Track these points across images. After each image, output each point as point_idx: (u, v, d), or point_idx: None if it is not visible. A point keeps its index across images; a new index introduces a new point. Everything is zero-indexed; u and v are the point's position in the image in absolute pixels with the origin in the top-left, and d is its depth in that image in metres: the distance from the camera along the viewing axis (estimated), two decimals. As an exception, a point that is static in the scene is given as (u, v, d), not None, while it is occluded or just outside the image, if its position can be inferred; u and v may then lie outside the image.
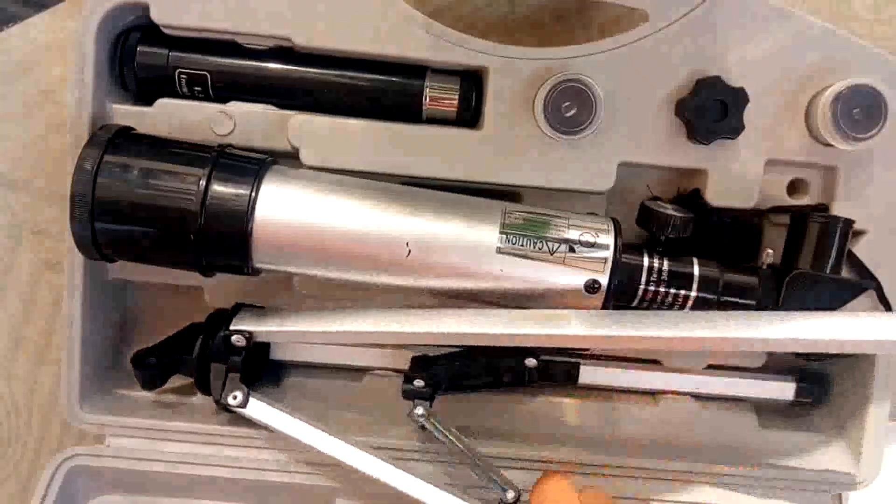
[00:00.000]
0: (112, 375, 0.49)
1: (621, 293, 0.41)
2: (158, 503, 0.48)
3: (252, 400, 0.45)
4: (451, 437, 0.44)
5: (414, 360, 0.46)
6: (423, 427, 0.44)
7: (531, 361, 0.40)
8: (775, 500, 0.48)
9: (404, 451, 0.47)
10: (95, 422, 0.46)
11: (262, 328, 0.44)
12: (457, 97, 0.43)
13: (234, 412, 0.45)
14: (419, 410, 0.44)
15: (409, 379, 0.44)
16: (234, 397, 0.44)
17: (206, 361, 0.45)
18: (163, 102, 0.43)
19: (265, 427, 0.45)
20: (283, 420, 0.44)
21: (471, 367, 0.46)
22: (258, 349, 0.47)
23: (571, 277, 0.40)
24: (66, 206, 0.38)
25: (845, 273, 0.43)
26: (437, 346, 0.48)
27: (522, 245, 0.40)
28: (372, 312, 0.42)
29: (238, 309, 0.46)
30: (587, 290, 0.40)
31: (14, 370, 0.53)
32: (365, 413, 0.49)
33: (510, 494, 0.43)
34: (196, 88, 0.44)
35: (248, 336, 0.44)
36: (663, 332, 0.40)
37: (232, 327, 0.44)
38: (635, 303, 0.42)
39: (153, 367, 0.46)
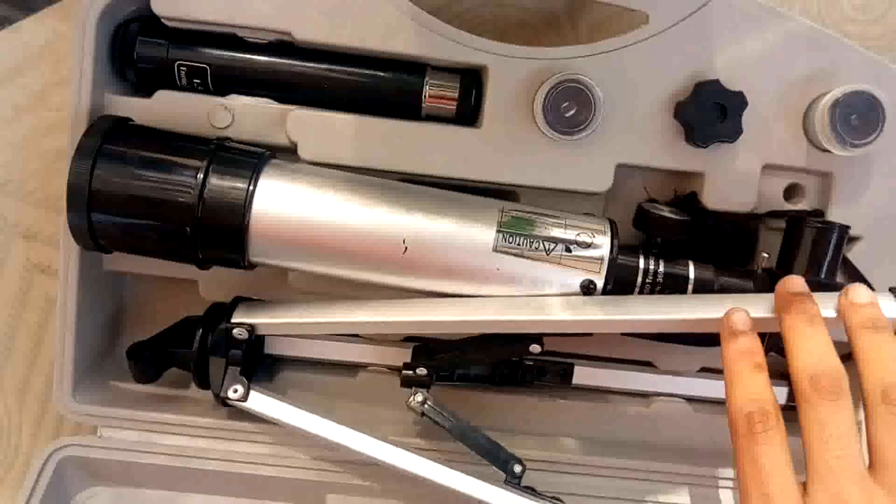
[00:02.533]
0: (105, 367, 0.49)
1: (617, 294, 0.41)
2: (150, 496, 0.48)
3: (253, 393, 0.45)
4: (451, 417, 0.43)
5: (416, 349, 0.45)
6: (422, 414, 0.43)
7: (535, 347, 0.41)
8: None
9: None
10: (87, 413, 0.46)
11: (264, 321, 0.44)
12: (456, 95, 0.43)
13: (233, 406, 0.45)
14: (419, 397, 0.43)
15: (410, 366, 0.44)
16: (235, 391, 0.44)
17: (205, 355, 0.45)
18: (162, 94, 0.43)
19: (268, 419, 0.45)
20: (288, 412, 0.44)
21: (472, 358, 0.46)
22: (254, 344, 0.47)
23: (567, 277, 0.40)
24: (56, 210, 0.38)
25: (840, 279, 0.43)
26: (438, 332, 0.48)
27: (519, 244, 0.40)
28: (374, 303, 0.42)
29: (237, 302, 0.46)
30: (583, 291, 0.40)
31: (3, 378, 0.52)
32: (359, 409, 0.49)
33: (517, 468, 0.43)
34: (195, 81, 0.43)
35: (251, 329, 0.44)
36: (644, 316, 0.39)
37: (233, 320, 0.44)
38: (630, 304, 0.42)
39: (148, 361, 0.46)
